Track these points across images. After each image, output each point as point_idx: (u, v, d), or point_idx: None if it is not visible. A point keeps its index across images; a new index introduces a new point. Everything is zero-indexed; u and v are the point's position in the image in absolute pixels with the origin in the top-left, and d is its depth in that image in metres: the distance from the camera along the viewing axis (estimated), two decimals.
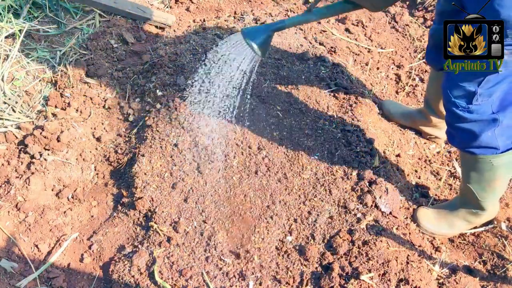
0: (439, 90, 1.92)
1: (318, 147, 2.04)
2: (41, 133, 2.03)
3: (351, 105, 2.25)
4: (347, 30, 2.81)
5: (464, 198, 1.83)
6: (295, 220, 1.82)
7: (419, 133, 2.34)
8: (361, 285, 1.58)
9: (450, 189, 2.12)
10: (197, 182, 1.93)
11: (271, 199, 1.88)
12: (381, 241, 1.70)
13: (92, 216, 1.95)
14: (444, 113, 1.98)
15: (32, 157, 2.00)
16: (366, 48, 2.70)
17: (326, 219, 1.81)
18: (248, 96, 2.12)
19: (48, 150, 2.03)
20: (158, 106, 2.17)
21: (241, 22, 2.74)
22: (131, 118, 2.26)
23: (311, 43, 2.59)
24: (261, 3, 3.04)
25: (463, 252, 1.89)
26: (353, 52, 2.62)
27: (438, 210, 1.91)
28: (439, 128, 2.24)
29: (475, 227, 1.92)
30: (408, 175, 2.13)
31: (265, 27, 1.57)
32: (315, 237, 1.76)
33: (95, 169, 2.09)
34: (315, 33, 2.67)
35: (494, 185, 1.68)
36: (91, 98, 2.29)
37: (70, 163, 2.04)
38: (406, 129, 2.34)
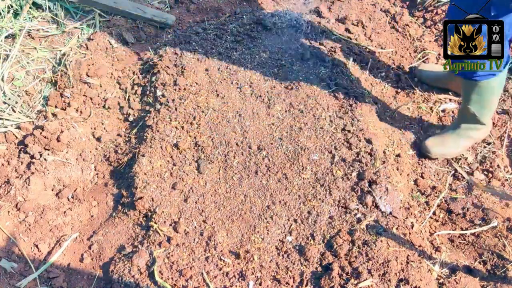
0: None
1: (318, 147, 2.04)
2: (41, 133, 2.03)
3: (351, 105, 2.25)
4: (347, 30, 2.80)
5: (464, 118, 2.10)
6: (295, 220, 1.82)
7: (419, 132, 2.33)
8: (361, 285, 1.58)
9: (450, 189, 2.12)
10: (197, 182, 1.93)
11: (271, 199, 1.88)
12: (381, 241, 1.70)
13: (92, 216, 1.95)
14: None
15: (32, 157, 2.00)
16: (366, 48, 2.69)
17: (326, 219, 1.81)
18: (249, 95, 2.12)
19: (48, 150, 2.03)
20: (158, 106, 2.17)
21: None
22: (131, 118, 2.27)
23: (311, 43, 2.59)
24: (261, 3, 3.04)
25: (463, 252, 1.89)
26: (353, 52, 2.62)
27: (442, 135, 2.17)
28: None
29: (475, 228, 1.92)
30: (408, 175, 2.13)
31: None
32: (315, 237, 1.76)
33: (95, 169, 2.09)
34: (315, 33, 2.67)
35: (491, 101, 1.98)
36: (91, 98, 2.29)
37: (70, 163, 2.04)
38: (406, 129, 2.34)
